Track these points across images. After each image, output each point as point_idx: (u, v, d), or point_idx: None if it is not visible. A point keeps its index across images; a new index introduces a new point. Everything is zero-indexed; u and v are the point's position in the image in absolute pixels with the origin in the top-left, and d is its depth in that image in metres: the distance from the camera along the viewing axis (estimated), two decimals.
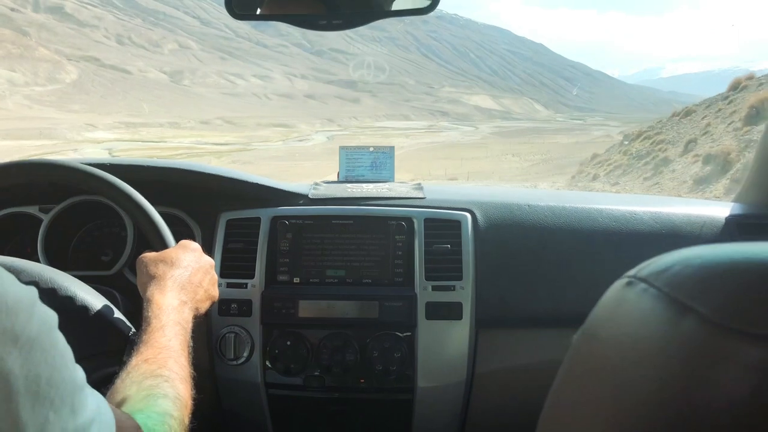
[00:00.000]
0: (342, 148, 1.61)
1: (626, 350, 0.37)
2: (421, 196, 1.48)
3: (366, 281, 1.38)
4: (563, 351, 0.44)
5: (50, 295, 0.96)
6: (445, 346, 1.35)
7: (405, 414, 1.40)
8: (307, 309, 1.36)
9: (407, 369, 1.35)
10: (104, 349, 0.96)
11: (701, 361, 0.32)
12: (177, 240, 1.12)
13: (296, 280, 1.39)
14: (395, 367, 1.34)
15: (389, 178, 1.59)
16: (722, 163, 13.03)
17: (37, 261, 1.27)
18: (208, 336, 1.36)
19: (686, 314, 0.33)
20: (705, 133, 16.24)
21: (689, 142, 16.19)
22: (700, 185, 13.10)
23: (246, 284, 1.37)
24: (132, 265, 1.32)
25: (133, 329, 0.99)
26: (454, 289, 1.35)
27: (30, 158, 1.20)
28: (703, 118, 17.66)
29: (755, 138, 12.40)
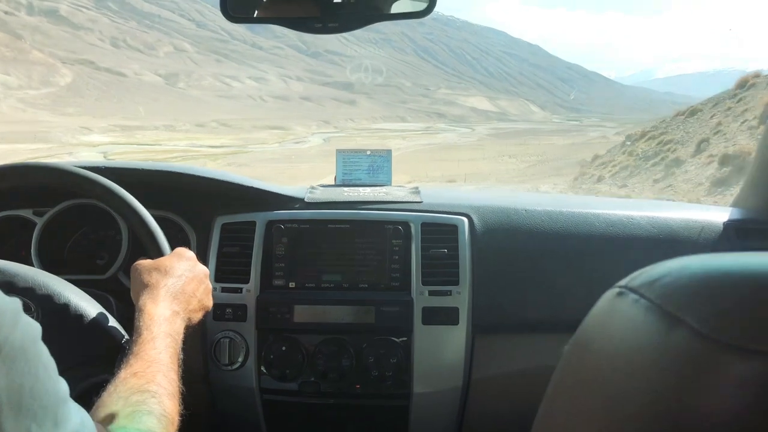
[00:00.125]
0: (339, 151, 1.60)
1: (618, 362, 0.37)
2: (417, 200, 1.47)
3: (362, 286, 1.37)
4: (560, 357, 0.44)
5: (44, 301, 0.95)
6: (441, 351, 1.34)
7: (401, 420, 1.39)
8: (302, 314, 1.35)
9: (403, 374, 1.34)
10: (96, 356, 0.95)
11: (693, 374, 0.31)
12: (172, 246, 1.11)
13: (292, 284, 1.38)
14: (391, 372, 1.33)
15: (386, 182, 1.58)
16: (741, 164, 12.71)
17: (31, 264, 1.26)
18: (202, 341, 1.35)
19: (677, 326, 0.33)
20: (717, 132, 15.97)
21: (701, 141, 15.88)
22: (718, 187, 12.86)
23: (241, 289, 1.36)
24: (127, 268, 1.31)
25: (127, 337, 0.99)
26: (450, 294, 1.34)
27: (27, 161, 1.19)
28: (711, 117, 17.34)
29: None
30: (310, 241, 1.39)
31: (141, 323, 0.88)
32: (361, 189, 1.54)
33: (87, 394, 0.74)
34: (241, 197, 1.45)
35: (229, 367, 1.35)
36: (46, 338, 0.55)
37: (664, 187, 14.83)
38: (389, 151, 1.60)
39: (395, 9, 1.08)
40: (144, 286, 0.96)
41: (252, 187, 1.45)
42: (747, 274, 0.34)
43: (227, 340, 1.34)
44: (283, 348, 1.34)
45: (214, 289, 1.23)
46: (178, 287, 0.98)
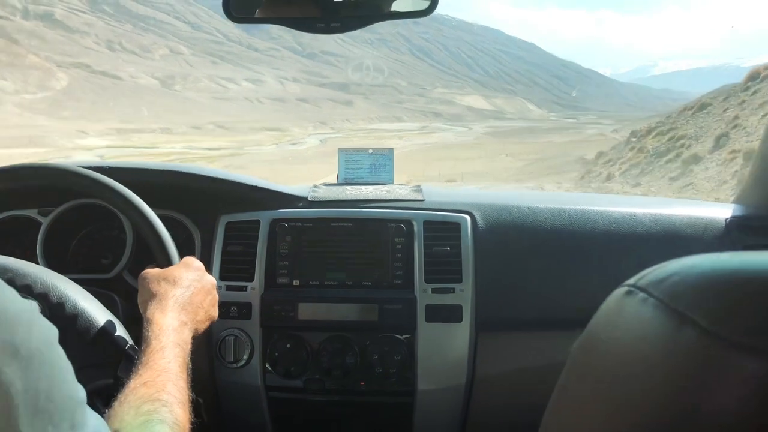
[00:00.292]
0: (341, 150, 1.61)
1: (627, 361, 0.37)
2: (420, 198, 1.48)
3: (366, 284, 1.38)
4: (563, 354, 0.44)
5: (46, 300, 0.95)
6: (445, 348, 1.35)
7: (405, 417, 1.40)
8: (306, 312, 1.36)
9: (407, 372, 1.35)
10: (99, 361, 0.95)
11: (702, 372, 0.31)
12: (178, 247, 1.12)
13: (296, 282, 1.39)
14: (395, 369, 1.34)
15: (389, 180, 1.59)
16: None
17: (37, 264, 1.26)
18: (207, 339, 1.36)
19: (685, 325, 0.33)
20: (735, 126, 15.31)
21: (720, 136, 15.24)
22: None
23: (246, 287, 1.37)
24: (131, 268, 1.32)
25: (130, 342, 0.99)
26: (453, 292, 1.35)
27: (40, 162, 1.20)
28: (725, 111, 16.63)
29: None
30: (313, 239, 1.40)
31: (150, 333, 0.89)
32: (363, 187, 1.54)
33: (89, 398, 0.75)
34: (245, 196, 1.46)
35: (235, 365, 1.36)
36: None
37: (683, 186, 14.32)
38: (391, 150, 1.60)
39: (397, 8, 1.08)
40: (152, 295, 0.97)
41: (256, 186, 1.46)
42: (755, 273, 0.34)
43: (232, 338, 1.35)
44: (288, 345, 1.35)
45: (219, 287, 1.23)
46: (186, 298, 0.99)
